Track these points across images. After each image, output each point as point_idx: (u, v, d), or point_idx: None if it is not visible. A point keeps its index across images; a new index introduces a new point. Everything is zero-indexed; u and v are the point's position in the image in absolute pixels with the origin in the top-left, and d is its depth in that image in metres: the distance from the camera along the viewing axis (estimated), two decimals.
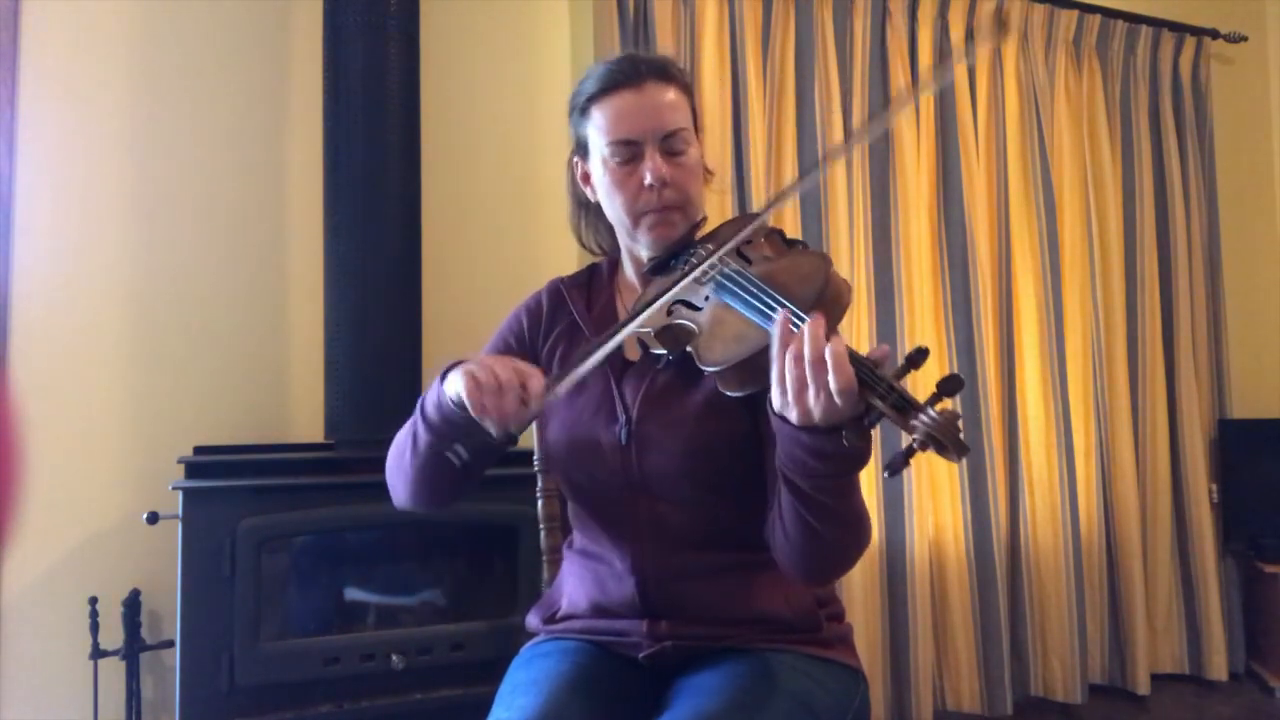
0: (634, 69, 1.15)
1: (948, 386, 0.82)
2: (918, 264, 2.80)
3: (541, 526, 1.40)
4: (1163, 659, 3.06)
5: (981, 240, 2.88)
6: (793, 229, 2.65)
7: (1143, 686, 2.91)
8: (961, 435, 0.81)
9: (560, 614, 1.23)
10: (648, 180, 1.13)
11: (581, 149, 1.22)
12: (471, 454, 1.08)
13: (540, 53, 2.64)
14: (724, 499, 1.13)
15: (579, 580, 1.22)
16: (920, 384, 0.86)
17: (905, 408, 0.83)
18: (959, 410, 0.84)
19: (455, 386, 1.00)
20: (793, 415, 0.89)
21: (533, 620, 1.27)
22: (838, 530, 0.99)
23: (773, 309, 0.96)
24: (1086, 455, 2.97)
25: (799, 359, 0.87)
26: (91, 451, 2.17)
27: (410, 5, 2.23)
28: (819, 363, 0.86)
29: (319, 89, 2.25)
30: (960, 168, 2.85)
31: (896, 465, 0.83)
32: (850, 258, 2.71)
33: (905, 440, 0.84)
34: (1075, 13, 3.11)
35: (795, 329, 0.90)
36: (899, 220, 2.78)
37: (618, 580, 1.16)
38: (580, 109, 1.19)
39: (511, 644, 1.29)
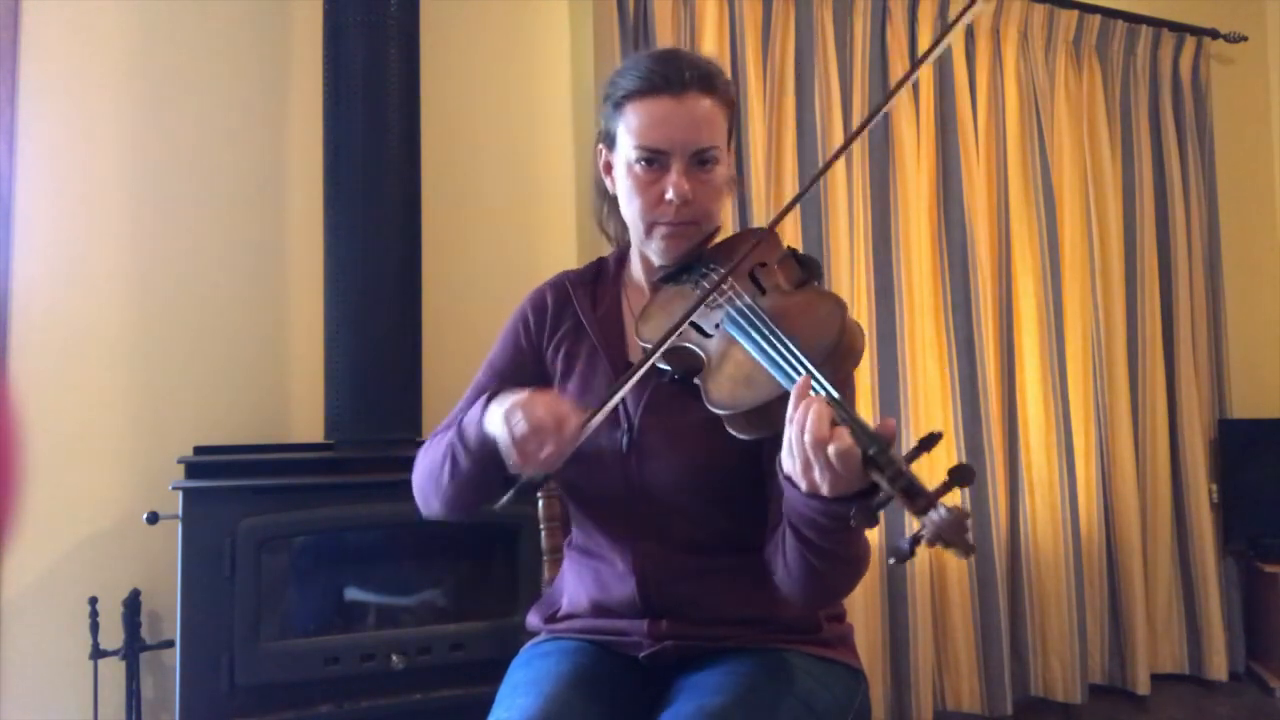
0: (678, 74, 1.11)
1: (959, 477, 0.80)
2: (918, 264, 2.80)
3: (542, 526, 1.40)
4: (1163, 659, 3.06)
5: (981, 240, 2.88)
6: (793, 230, 2.65)
7: (1143, 686, 2.91)
8: (970, 535, 0.79)
9: (561, 613, 1.23)
10: (669, 195, 1.11)
11: (608, 140, 1.19)
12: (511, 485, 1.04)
13: (540, 53, 2.64)
14: (724, 509, 1.13)
15: (579, 579, 1.22)
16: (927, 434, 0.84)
17: (914, 495, 0.80)
18: (967, 510, 0.81)
19: (495, 426, 1.01)
20: (801, 485, 0.89)
21: (533, 620, 1.27)
22: (840, 571, 1.00)
23: (785, 358, 0.94)
24: (1086, 456, 2.97)
25: (801, 436, 0.86)
26: (91, 451, 2.17)
27: (410, 5, 2.23)
28: (820, 444, 0.85)
29: (319, 89, 2.25)
30: (960, 168, 2.85)
31: (903, 554, 0.82)
32: (850, 258, 2.71)
33: (914, 525, 0.82)
34: (1075, 13, 3.11)
35: (813, 391, 0.88)
36: (899, 220, 2.78)
37: (618, 579, 1.16)
38: (615, 102, 1.15)
39: (511, 644, 1.29)
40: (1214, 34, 3.36)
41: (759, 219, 2.57)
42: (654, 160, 1.12)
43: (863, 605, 2.60)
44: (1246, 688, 3.08)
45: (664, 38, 2.54)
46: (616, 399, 1.02)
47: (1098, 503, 2.97)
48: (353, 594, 2.12)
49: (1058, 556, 2.85)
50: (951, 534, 0.77)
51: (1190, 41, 3.31)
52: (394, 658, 1.95)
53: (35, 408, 2.15)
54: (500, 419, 1.00)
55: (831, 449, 0.84)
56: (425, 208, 2.28)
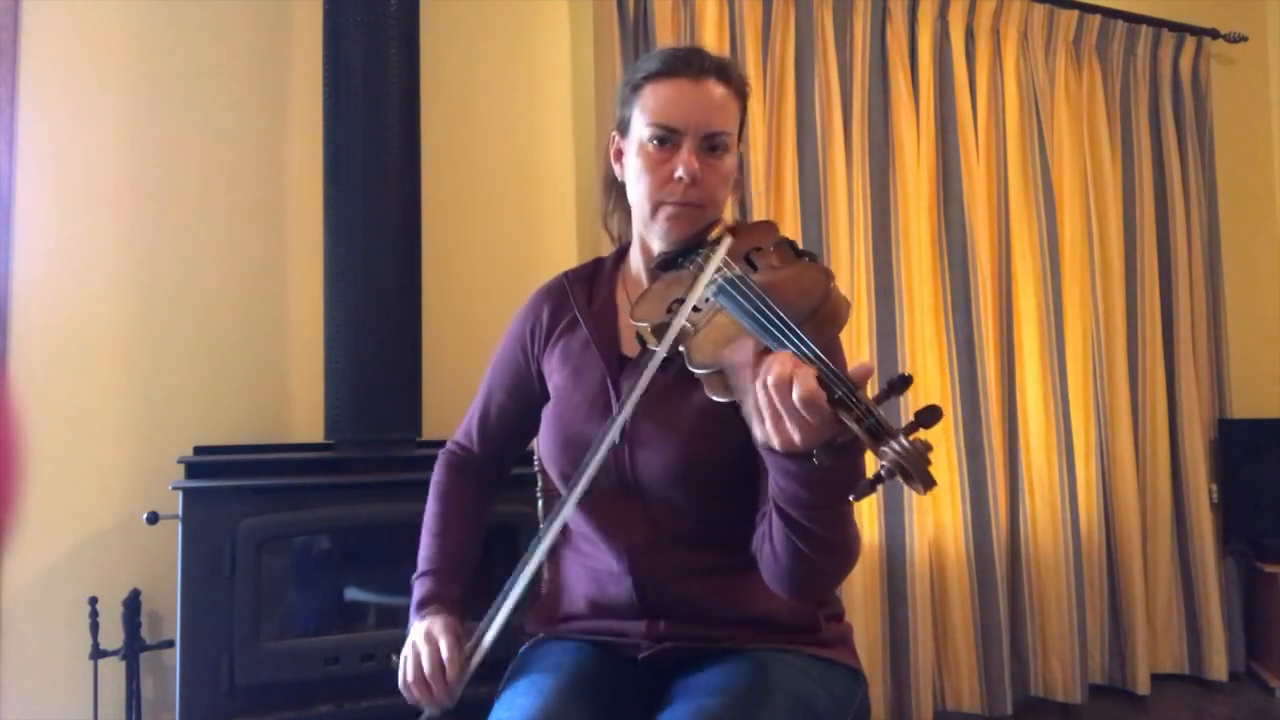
0: (698, 61, 1.15)
1: (926, 417, 0.81)
2: (918, 264, 2.80)
3: (541, 526, 1.40)
4: (1163, 659, 3.06)
5: (981, 240, 2.88)
6: (793, 230, 2.65)
7: (1143, 686, 2.91)
8: (930, 468, 0.79)
9: (560, 614, 1.24)
10: (678, 173, 1.12)
11: (622, 126, 1.21)
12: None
13: (540, 53, 2.64)
14: (717, 503, 1.13)
15: (577, 580, 1.22)
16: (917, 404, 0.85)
17: (879, 433, 0.81)
18: (930, 443, 0.81)
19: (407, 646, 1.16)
20: (776, 443, 0.88)
21: (532, 621, 1.28)
22: (828, 556, 0.99)
23: (768, 318, 0.95)
24: (1086, 455, 2.97)
25: (762, 383, 0.87)
26: (91, 451, 2.17)
27: (410, 5, 2.23)
28: (783, 384, 0.85)
29: (319, 89, 2.25)
30: (960, 168, 2.85)
31: (861, 491, 0.83)
32: (850, 258, 2.71)
33: (874, 466, 0.82)
34: (1075, 13, 3.11)
35: (789, 347, 0.89)
36: (899, 220, 2.78)
37: (615, 580, 1.16)
38: (633, 85, 1.18)
39: (511, 644, 1.29)
40: (1214, 34, 3.36)
41: (758, 218, 2.57)
42: (666, 139, 1.14)
43: (863, 605, 2.60)
44: (1246, 688, 3.08)
45: (664, 38, 2.54)
46: (541, 552, 1.08)
47: (1098, 503, 2.97)
48: (353, 594, 2.12)
49: (1058, 556, 2.85)
50: (912, 464, 0.77)
51: (1190, 41, 3.31)
52: (394, 658, 1.93)
53: (35, 408, 2.15)
54: (406, 648, 1.16)
55: (796, 392, 0.84)
56: (425, 208, 2.28)
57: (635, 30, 2.54)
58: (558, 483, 1.22)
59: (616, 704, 1.10)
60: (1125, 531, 2.99)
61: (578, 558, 1.23)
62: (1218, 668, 3.04)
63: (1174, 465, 3.13)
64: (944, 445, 2.80)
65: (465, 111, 2.54)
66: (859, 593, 2.60)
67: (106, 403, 2.19)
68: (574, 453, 1.15)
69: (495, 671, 1.21)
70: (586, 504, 1.19)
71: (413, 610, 1.21)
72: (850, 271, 2.70)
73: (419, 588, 1.24)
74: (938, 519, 2.78)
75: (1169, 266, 3.18)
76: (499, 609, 1.09)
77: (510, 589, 1.09)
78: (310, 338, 2.30)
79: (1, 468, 2.12)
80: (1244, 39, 3.41)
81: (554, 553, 1.37)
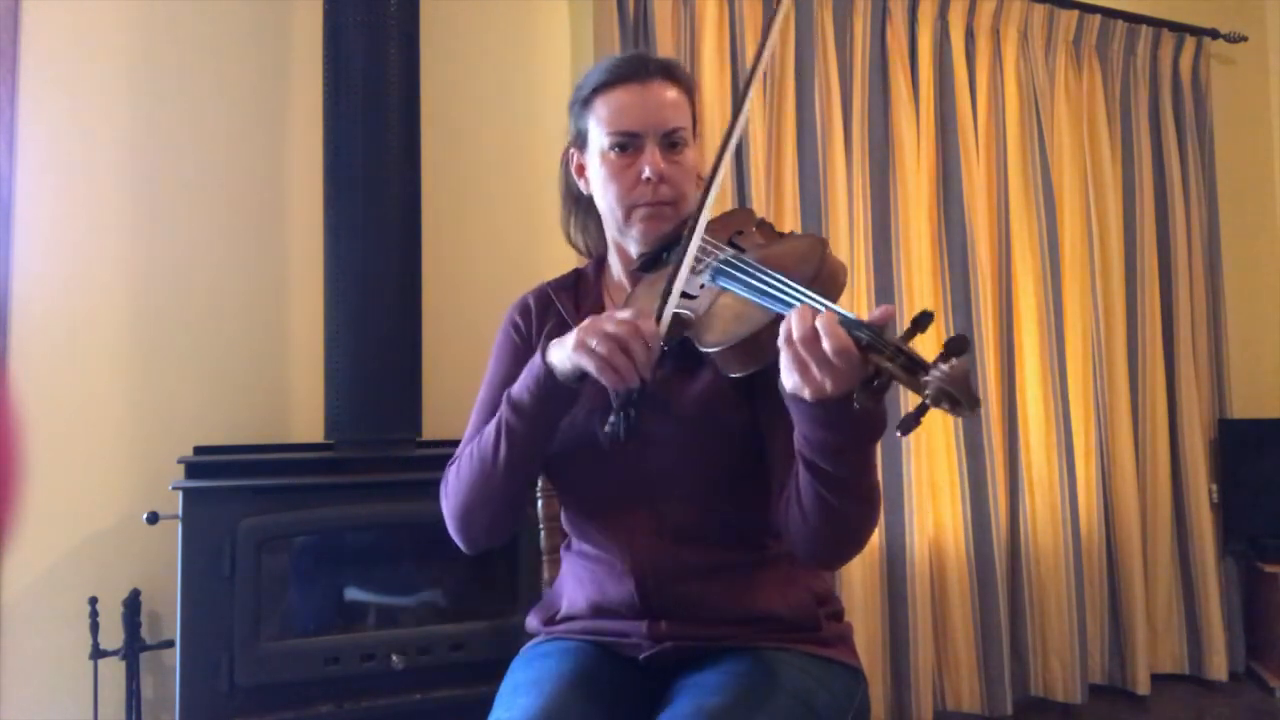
0: (642, 65, 1.17)
1: (955, 346, 0.80)
2: (918, 264, 2.80)
3: (541, 526, 1.40)
4: (1163, 659, 3.06)
5: (981, 240, 2.88)
6: (793, 228, 2.65)
7: (1143, 686, 2.91)
8: (974, 388, 0.79)
9: (560, 615, 1.24)
10: (646, 174, 1.14)
11: (579, 141, 1.22)
12: (629, 416, 1.03)
13: (540, 53, 2.64)
14: (723, 492, 1.14)
15: (578, 582, 1.22)
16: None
17: (914, 367, 0.82)
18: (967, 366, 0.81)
19: (569, 364, 1.01)
20: (806, 393, 0.89)
21: (533, 621, 1.28)
22: (855, 507, 1.00)
23: (773, 287, 0.96)
24: (1086, 455, 2.97)
25: (789, 339, 0.88)
26: (91, 451, 2.17)
27: (410, 5, 2.23)
28: (810, 338, 0.86)
29: (319, 89, 2.25)
30: (960, 168, 2.85)
31: (909, 424, 0.82)
32: (850, 257, 2.70)
33: (915, 400, 0.82)
34: (1075, 13, 3.11)
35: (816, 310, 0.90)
36: (899, 220, 2.78)
37: (617, 581, 1.16)
38: (583, 100, 1.20)
39: (511, 644, 1.29)
40: (1214, 34, 3.36)
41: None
42: (627, 144, 1.16)
43: (863, 605, 2.60)
44: (1246, 688, 3.08)
45: (664, 38, 2.54)
46: (679, 283, 1.02)
47: (1098, 503, 2.97)
48: (353, 594, 2.12)
49: (1058, 556, 2.85)
50: (955, 386, 0.77)
51: (1190, 41, 3.31)
52: (394, 658, 1.95)
53: (35, 408, 2.15)
54: (572, 355, 1.00)
55: (826, 343, 0.85)
56: (425, 208, 2.28)
57: (635, 30, 2.54)
58: (559, 485, 1.22)
59: (617, 704, 1.10)
60: (1125, 531, 2.99)
61: (578, 560, 1.23)
62: (1218, 668, 3.03)
63: (1174, 465, 3.13)
64: (944, 445, 2.80)
65: (465, 111, 2.54)
66: (859, 593, 2.60)
67: (106, 403, 2.19)
68: (580, 455, 1.15)
69: (495, 671, 1.21)
70: (589, 506, 1.19)
71: (546, 372, 1.06)
72: (850, 271, 2.70)
73: (527, 370, 1.09)
74: (938, 519, 2.77)
75: (1169, 266, 3.18)
76: (681, 259, 1.02)
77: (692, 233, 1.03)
78: (310, 338, 2.30)
79: (2, 468, 2.12)
80: (1244, 39, 3.41)
81: (555, 553, 1.38)
